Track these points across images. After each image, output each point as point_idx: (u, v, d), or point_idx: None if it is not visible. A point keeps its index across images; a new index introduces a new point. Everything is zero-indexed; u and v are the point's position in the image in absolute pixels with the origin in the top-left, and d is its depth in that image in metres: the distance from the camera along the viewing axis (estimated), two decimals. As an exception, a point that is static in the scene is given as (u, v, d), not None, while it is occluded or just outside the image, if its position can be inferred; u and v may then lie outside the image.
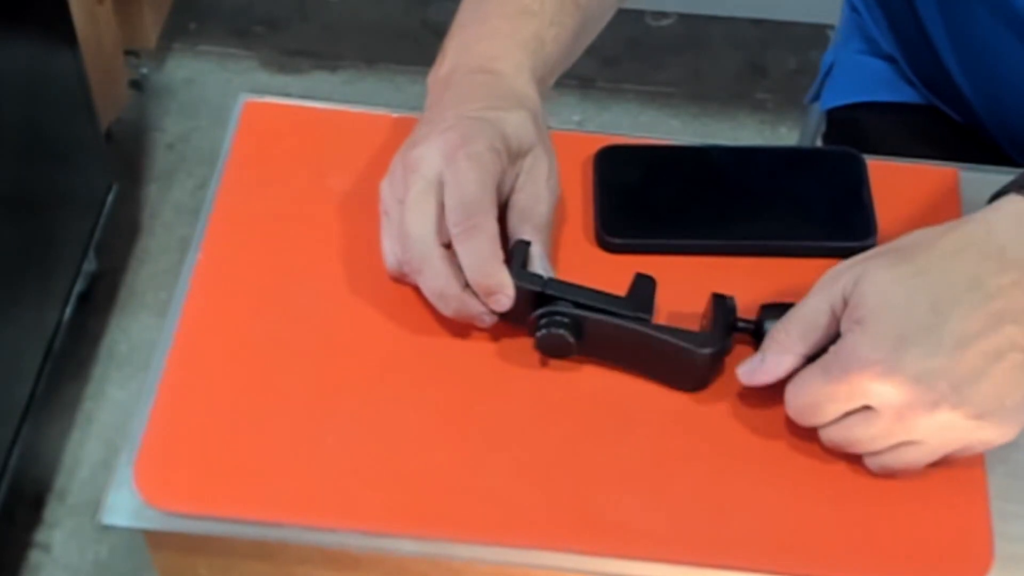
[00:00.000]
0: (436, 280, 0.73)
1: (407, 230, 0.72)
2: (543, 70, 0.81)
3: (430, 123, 0.76)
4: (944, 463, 0.71)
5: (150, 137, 1.96)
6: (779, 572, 0.68)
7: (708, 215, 0.81)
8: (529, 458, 0.71)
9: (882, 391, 0.66)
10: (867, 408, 0.68)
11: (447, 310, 0.74)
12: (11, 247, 1.46)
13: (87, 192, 1.67)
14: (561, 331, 0.72)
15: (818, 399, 0.69)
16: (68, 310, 1.62)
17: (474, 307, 0.73)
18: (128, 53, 1.92)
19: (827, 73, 1.14)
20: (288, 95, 0.88)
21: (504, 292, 0.72)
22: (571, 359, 0.75)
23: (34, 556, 1.58)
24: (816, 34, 2.06)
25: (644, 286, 0.74)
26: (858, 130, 1.08)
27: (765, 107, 2.02)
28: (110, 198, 1.71)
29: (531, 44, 0.80)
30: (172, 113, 1.99)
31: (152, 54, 2.02)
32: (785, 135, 1.98)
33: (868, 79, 1.09)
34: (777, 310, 0.73)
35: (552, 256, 0.77)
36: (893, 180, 0.83)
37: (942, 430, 0.67)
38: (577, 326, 0.73)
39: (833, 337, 0.69)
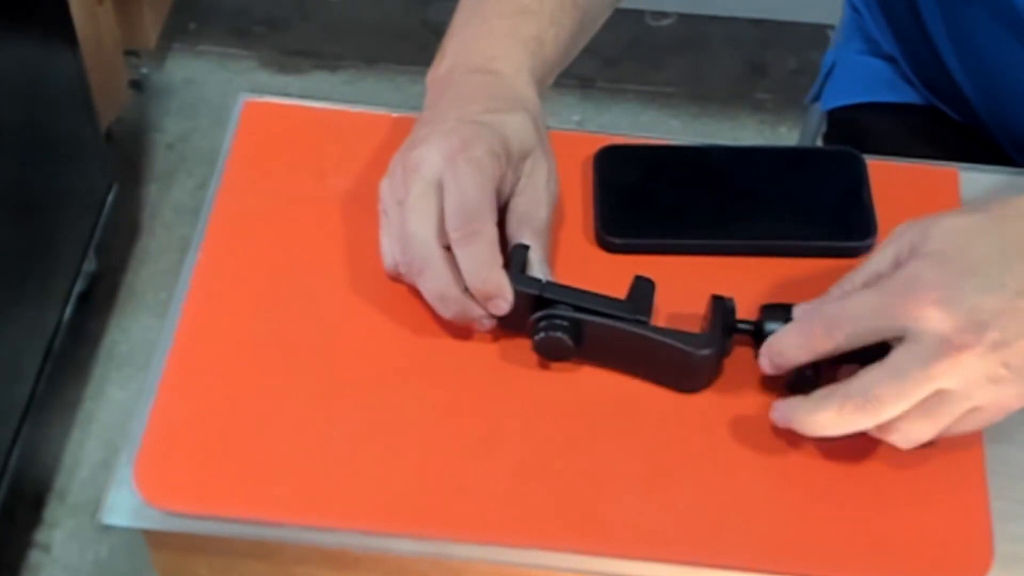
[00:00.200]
0: (437, 282, 0.73)
1: (409, 231, 0.72)
2: (542, 70, 0.81)
3: (430, 124, 0.76)
4: (944, 463, 0.71)
5: (150, 137, 1.96)
6: (779, 572, 0.68)
7: (708, 215, 0.81)
8: (529, 458, 0.71)
9: (932, 315, 0.65)
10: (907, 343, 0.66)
11: (447, 312, 0.74)
12: (11, 247, 1.46)
13: (87, 192, 1.67)
14: (559, 334, 0.72)
15: (864, 312, 0.67)
16: (68, 310, 1.62)
17: (473, 310, 0.73)
18: (128, 53, 1.92)
19: (828, 73, 1.14)
20: (288, 95, 0.88)
21: (503, 297, 0.73)
22: (572, 362, 0.75)
23: (34, 556, 1.58)
24: (816, 34, 2.07)
25: (643, 288, 0.74)
26: (859, 130, 1.08)
27: (765, 107, 2.02)
28: (110, 198, 1.71)
29: (531, 44, 0.80)
30: (172, 113, 1.99)
31: (152, 54, 2.02)
32: (785, 135, 1.98)
33: (869, 79, 1.09)
34: (777, 311, 0.73)
35: (552, 257, 0.77)
36: (893, 180, 0.83)
37: (986, 382, 0.66)
38: (576, 329, 0.73)
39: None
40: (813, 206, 0.81)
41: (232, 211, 0.82)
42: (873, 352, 0.68)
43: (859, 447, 0.72)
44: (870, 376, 0.67)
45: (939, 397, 0.66)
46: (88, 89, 1.60)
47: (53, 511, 1.61)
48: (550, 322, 0.72)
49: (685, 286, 0.77)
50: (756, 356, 0.74)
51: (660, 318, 0.76)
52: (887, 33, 1.05)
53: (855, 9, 1.10)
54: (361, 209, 0.81)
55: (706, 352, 0.72)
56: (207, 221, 0.81)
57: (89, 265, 1.70)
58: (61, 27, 1.53)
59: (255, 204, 0.82)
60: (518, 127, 0.75)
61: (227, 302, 0.77)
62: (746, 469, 0.71)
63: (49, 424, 1.64)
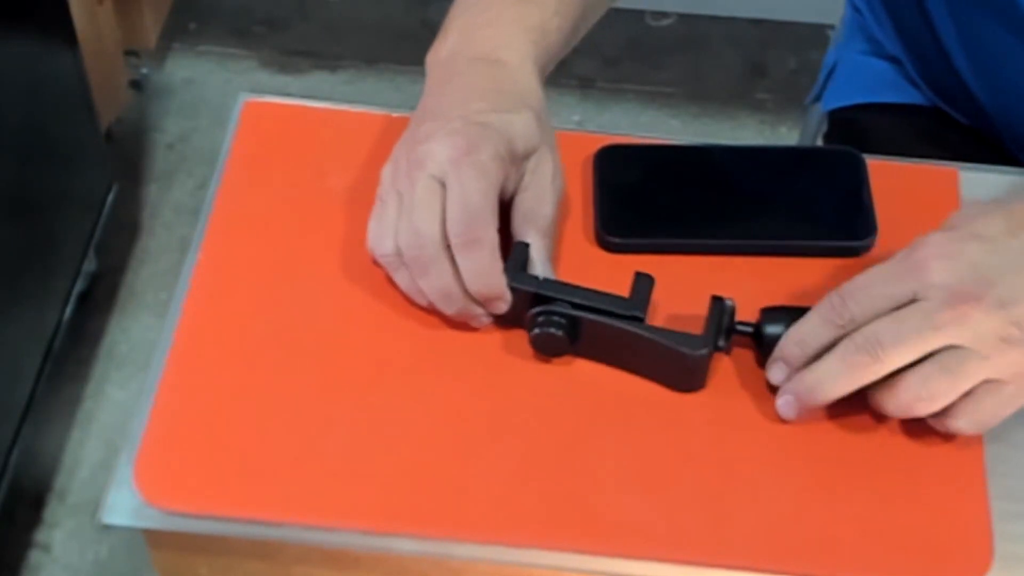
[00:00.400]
0: (441, 281, 0.73)
1: (417, 229, 0.73)
2: (544, 59, 0.81)
3: (435, 118, 0.76)
4: (944, 463, 0.71)
5: (150, 137, 1.96)
6: (779, 572, 0.68)
7: (708, 215, 0.81)
8: (529, 458, 0.71)
9: (936, 268, 0.67)
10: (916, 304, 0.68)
11: (449, 309, 0.74)
12: (11, 247, 1.46)
13: (87, 192, 1.67)
14: (555, 330, 0.73)
15: (875, 279, 0.69)
16: (68, 310, 1.62)
17: (474, 309, 0.74)
18: (128, 53, 1.92)
19: (829, 74, 1.14)
20: (288, 95, 0.88)
21: (502, 299, 0.74)
22: (571, 361, 0.75)
23: (34, 556, 1.58)
24: (816, 34, 2.07)
25: (642, 285, 0.74)
26: (860, 131, 1.08)
27: (765, 107, 2.02)
28: (110, 198, 1.71)
29: (534, 33, 0.80)
30: (172, 113, 1.99)
31: (152, 54, 2.02)
32: (785, 135, 1.98)
33: (871, 80, 1.09)
34: (778, 313, 0.73)
35: (554, 255, 0.78)
36: (893, 180, 0.83)
37: (998, 341, 0.67)
38: (572, 325, 0.73)
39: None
40: (813, 206, 0.81)
41: (232, 211, 0.82)
42: None
43: (860, 446, 0.72)
44: (875, 323, 0.68)
45: (952, 353, 0.67)
46: (88, 89, 1.60)
47: (53, 511, 1.61)
48: (547, 318, 0.73)
49: (685, 286, 0.77)
50: (756, 357, 0.74)
51: (660, 318, 0.76)
52: (891, 34, 1.05)
53: (856, 9, 1.10)
54: (361, 209, 0.81)
55: (700, 353, 0.72)
56: (207, 221, 0.81)
57: (89, 265, 1.70)
58: (61, 27, 1.53)
59: (255, 204, 0.82)
60: (523, 127, 0.76)
61: (227, 302, 0.77)
62: (746, 469, 0.71)
63: (49, 424, 1.64)
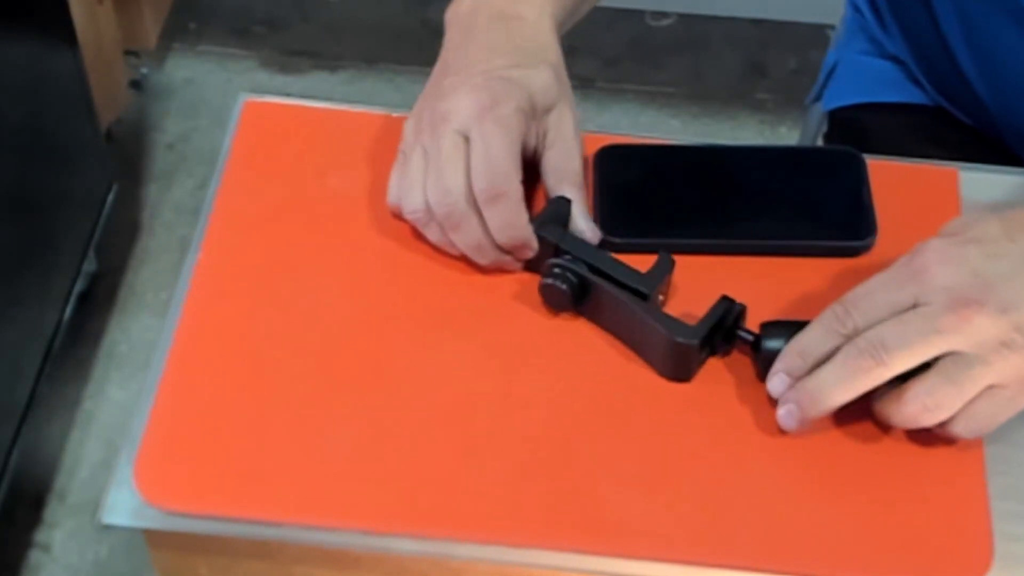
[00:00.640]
0: (474, 235, 0.76)
1: (447, 186, 0.75)
2: (562, 15, 0.83)
3: (457, 73, 0.78)
4: (944, 463, 0.71)
5: (150, 137, 1.96)
6: (779, 572, 0.68)
7: (708, 215, 0.81)
8: (529, 458, 0.71)
9: (938, 273, 0.68)
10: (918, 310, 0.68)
11: (483, 260, 0.77)
12: (11, 247, 1.46)
13: (87, 192, 1.67)
14: (562, 284, 0.75)
15: (876, 286, 0.69)
16: (68, 310, 1.62)
17: (503, 258, 0.77)
18: (128, 53, 1.92)
19: (829, 73, 1.14)
20: (288, 95, 0.88)
21: (529, 247, 0.76)
22: (571, 361, 0.75)
23: (34, 556, 1.58)
24: (816, 34, 2.07)
25: (661, 266, 0.75)
26: (861, 130, 1.08)
27: (765, 107, 2.02)
28: (110, 198, 1.71)
29: None
30: (172, 113, 1.99)
31: (152, 54, 2.02)
32: (785, 135, 1.98)
33: (872, 80, 1.09)
34: (778, 328, 0.73)
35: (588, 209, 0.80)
36: (893, 179, 0.83)
37: (1000, 346, 0.67)
38: (582, 285, 0.75)
39: None
40: (813, 206, 0.81)
41: (232, 211, 0.82)
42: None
43: (860, 447, 0.72)
44: (877, 327, 0.68)
45: (955, 360, 0.67)
46: (88, 89, 1.60)
47: (53, 511, 1.61)
48: (561, 271, 0.75)
49: (685, 286, 0.77)
50: (755, 370, 0.74)
51: (660, 317, 0.76)
52: (895, 32, 1.05)
53: (857, 9, 1.10)
54: (361, 209, 0.81)
55: (688, 343, 0.72)
56: (207, 221, 0.81)
57: (89, 265, 1.70)
58: (61, 27, 1.53)
59: (255, 204, 0.82)
60: (543, 82, 0.78)
61: (227, 302, 0.77)
62: (747, 470, 0.71)
63: (49, 424, 1.64)
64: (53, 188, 1.58)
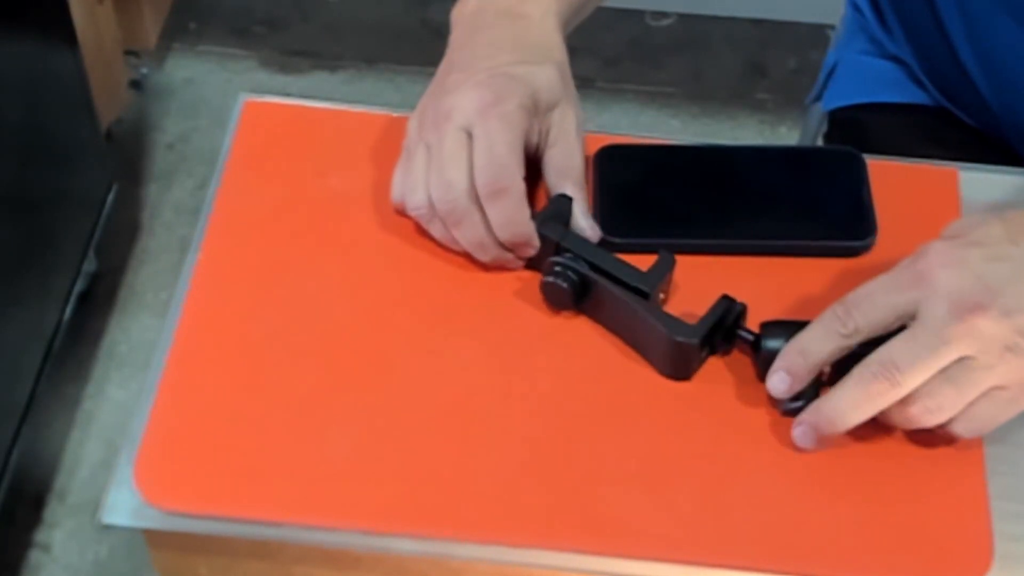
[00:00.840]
0: (476, 233, 0.76)
1: (449, 182, 0.75)
2: (568, 13, 0.83)
3: (461, 70, 0.78)
4: (944, 463, 0.71)
5: (150, 137, 1.96)
6: (779, 572, 0.68)
7: (708, 215, 0.81)
8: (529, 458, 0.71)
9: (942, 278, 0.67)
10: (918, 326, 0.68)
11: (484, 257, 0.77)
12: (11, 247, 1.46)
13: (87, 192, 1.67)
14: (563, 283, 0.75)
15: (877, 288, 0.69)
16: (68, 310, 1.62)
17: (505, 255, 0.77)
18: (128, 53, 1.92)
19: (829, 73, 1.14)
20: (288, 95, 0.88)
21: (530, 244, 0.76)
22: (571, 360, 0.75)
23: (34, 556, 1.58)
24: (816, 34, 2.07)
25: (662, 264, 0.75)
26: (861, 130, 1.08)
27: (765, 107, 2.02)
28: (110, 198, 1.71)
29: None
30: (172, 113, 1.99)
31: (152, 54, 2.01)
32: (785, 135, 1.98)
33: (873, 79, 1.09)
34: (778, 328, 0.73)
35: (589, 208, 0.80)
36: (893, 180, 0.83)
37: (1004, 350, 0.67)
38: (583, 283, 0.75)
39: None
40: (813, 206, 0.81)
41: (232, 211, 0.82)
42: None
43: (860, 447, 0.72)
44: (886, 346, 0.68)
45: (960, 365, 0.67)
46: (88, 89, 1.60)
47: (53, 511, 1.61)
48: (562, 269, 0.75)
49: (685, 285, 0.77)
50: (755, 371, 0.74)
51: (660, 317, 0.76)
52: (897, 31, 1.05)
53: (857, 9, 1.10)
54: (361, 209, 0.81)
55: (688, 341, 0.72)
56: (207, 221, 0.81)
57: (89, 265, 1.70)
58: (61, 27, 1.53)
59: (255, 204, 0.82)
60: (547, 79, 0.78)
61: (227, 302, 0.77)
62: (747, 470, 0.71)
63: (49, 424, 1.64)
64: (53, 188, 1.58)
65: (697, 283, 0.77)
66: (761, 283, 0.78)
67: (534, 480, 0.71)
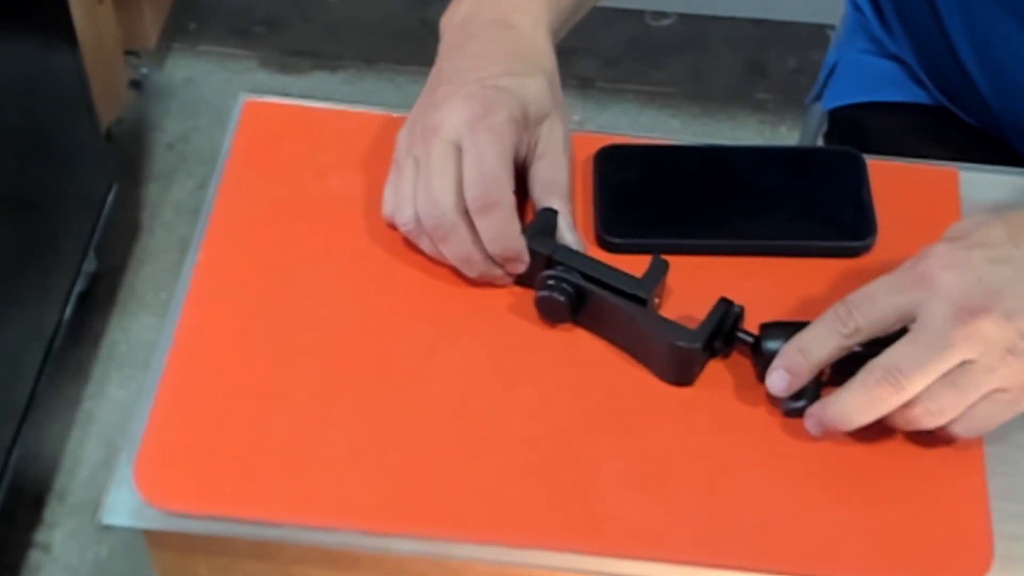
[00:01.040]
0: (463, 248, 0.75)
1: (435, 197, 0.74)
2: (557, 23, 0.82)
3: (450, 82, 0.77)
4: (944, 463, 0.71)
5: (150, 137, 1.96)
6: (779, 572, 0.68)
7: (708, 215, 0.81)
8: (529, 458, 0.71)
9: (944, 280, 0.67)
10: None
11: (471, 273, 0.76)
12: (11, 247, 1.46)
13: (87, 192, 1.67)
14: (559, 296, 0.74)
15: (879, 289, 0.69)
16: (68, 310, 1.62)
17: (494, 270, 0.76)
18: (128, 53, 1.92)
19: (829, 73, 1.14)
20: (288, 95, 0.88)
21: (520, 259, 0.75)
22: (572, 360, 0.75)
23: (34, 556, 1.58)
24: (816, 34, 2.07)
25: (655, 269, 0.75)
26: (861, 130, 1.08)
27: (765, 107, 2.02)
28: (110, 198, 1.71)
29: None
30: (172, 113, 1.99)
31: (152, 54, 2.01)
32: (785, 135, 1.98)
33: (873, 79, 1.08)
34: (777, 329, 0.73)
35: (574, 222, 0.79)
36: (893, 180, 0.83)
37: (1006, 353, 0.67)
38: (578, 295, 0.74)
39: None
40: (813, 206, 0.81)
41: (232, 211, 0.82)
42: None
43: (860, 447, 0.72)
44: (890, 350, 0.68)
45: (962, 368, 0.67)
46: (88, 89, 1.60)
47: (53, 511, 1.61)
48: (556, 282, 0.74)
49: (684, 286, 0.77)
50: (755, 371, 0.74)
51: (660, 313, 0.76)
52: (897, 30, 1.05)
53: (857, 8, 1.10)
54: (361, 209, 0.81)
55: (691, 346, 0.72)
56: (207, 221, 0.81)
57: (89, 265, 1.70)
58: (61, 27, 1.53)
59: (255, 204, 0.82)
60: (537, 91, 0.77)
61: (227, 302, 0.77)
62: (747, 470, 0.71)
63: (49, 424, 1.64)
64: (53, 188, 1.58)
65: (697, 284, 0.77)
66: (761, 283, 0.78)
67: (534, 480, 0.71)
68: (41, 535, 1.59)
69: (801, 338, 0.71)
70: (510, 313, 0.77)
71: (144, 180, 1.91)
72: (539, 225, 0.76)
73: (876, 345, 0.69)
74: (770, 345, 0.72)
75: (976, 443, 0.72)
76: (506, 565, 0.70)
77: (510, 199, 0.74)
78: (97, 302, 1.77)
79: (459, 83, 0.76)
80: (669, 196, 0.82)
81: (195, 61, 2.06)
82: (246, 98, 0.87)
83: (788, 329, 0.72)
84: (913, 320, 0.68)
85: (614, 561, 0.69)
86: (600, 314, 0.75)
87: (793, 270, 0.79)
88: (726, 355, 0.75)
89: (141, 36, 1.92)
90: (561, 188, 0.78)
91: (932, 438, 0.71)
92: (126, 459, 0.71)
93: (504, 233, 0.74)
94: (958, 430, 0.69)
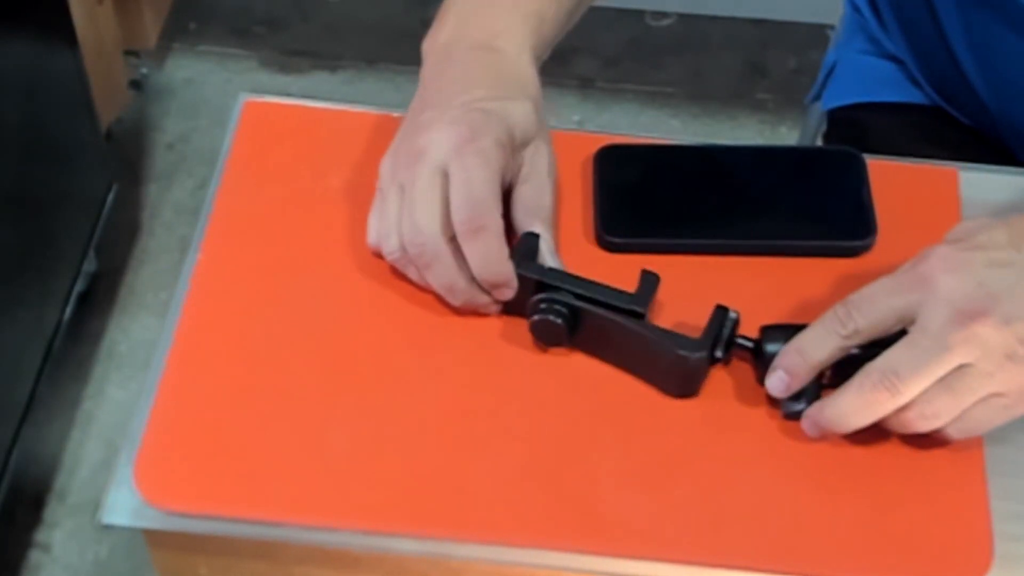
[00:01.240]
0: (447, 275, 0.74)
1: (418, 224, 0.73)
2: (540, 48, 0.81)
3: (435, 107, 0.76)
4: (945, 464, 0.71)
5: (150, 137, 1.96)
6: (779, 572, 0.68)
7: (708, 215, 0.81)
8: (529, 458, 0.71)
9: (943, 283, 0.67)
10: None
11: (455, 301, 0.75)
12: (11, 247, 1.46)
13: (87, 192, 1.67)
14: (555, 319, 0.73)
15: (879, 290, 0.69)
16: (68, 310, 1.62)
17: (480, 298, 0.75)
18: (128, 53, 1.92)
19: (829, 73, 1.14)
20: (288, 95, 0.88)
21: (509, 285, 0.74)
22: (572, 360, 0.75)
23: (34, 556, 1.58)
24: (816, 34, 2.07)
25: (647, 283, 0.74)
26: (860, 130, 1.08)
27: (765, 107, 2.02)
28: (110, 198, 1.71)
29: (532, 20, 0.80)
30: (172, 113, 1.99)
31: (152, 54, 2.02)
32: (785, 135, 1.98)
33: (872, 79, 1.09)
34: (778, 332, 0.73)
35: (556, 247, 0.78)
36: (893, 180, 0.83)
37: (1004, 358, 0.67)
38: (573, 316, 0.73)
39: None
40: (813, 206, 0.81)
41: (232, 211, 0.82)
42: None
43: (860, 447, 0.72)
44: (887, 353, 0.68)
45: (959, 372, 0.67)
46: (88, 89, 1.60)
47: (53, 511, 1.61)
48: (549, 305, 0.73)
49: (684, 286, 0.77)
50: (755, 374, 0.74)
51: (658, 317, 0.76)
52: (895, 31, 1.05)
53: (856, 9, 1.10)
54: (361, 209, 0.81)
55: (696, 356, 0.72)
56: (207, 221, 0.81)
57: (89, 265, 1.70)
58: (61, 27, 1.53)
59: (255, 204, 0.82)
60: (522, 115, 0.76)
61: (227, 302, 0.77)
62: (747, 469, 0.71)
63: (49, 424, 1.64)
64: (53, 188, 1.58)
65: (697, 284, 0.77)
66: (761, 283, 0.78)
67: (534, 480, 0.71)
68: (41, 535, 1.59)
69: (800, 339, 0.71)
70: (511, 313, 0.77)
71: (144, 180, 1.91)
72: (523, 250, 0.75)
73: (875, 347, 0.69)
74: (770, 347, 0.72)
75: (976, 443, 0.72)
76: (506, 565, 0.70)
77: (498, 223, 0.73)
78: (97, 302, 1.77)
79: (444, 107, 0.75)
80: (669, 196, 0.82)
81: (195, 61, 2.06)
82: (246, 98, 0.87)
83: (788, 331, 0.72)
84: (912, 322, 0.68)
85: (614, 561, 0.69)
86: (598, 333, 0.74)
87: (793, 270, 0.79)
88: (726, 363, 0.75)
89: (141, 36, 1.92)
90: (544, 212, 0.77)
91: (931, 439, 0.71)
92: (126, 459, 0.71)
93: (493, 257, 0.73)
94: (951, 431, 0.69)
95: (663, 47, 2.09)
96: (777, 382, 0.71)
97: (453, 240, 0.73)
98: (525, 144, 0.77)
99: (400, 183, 0.75)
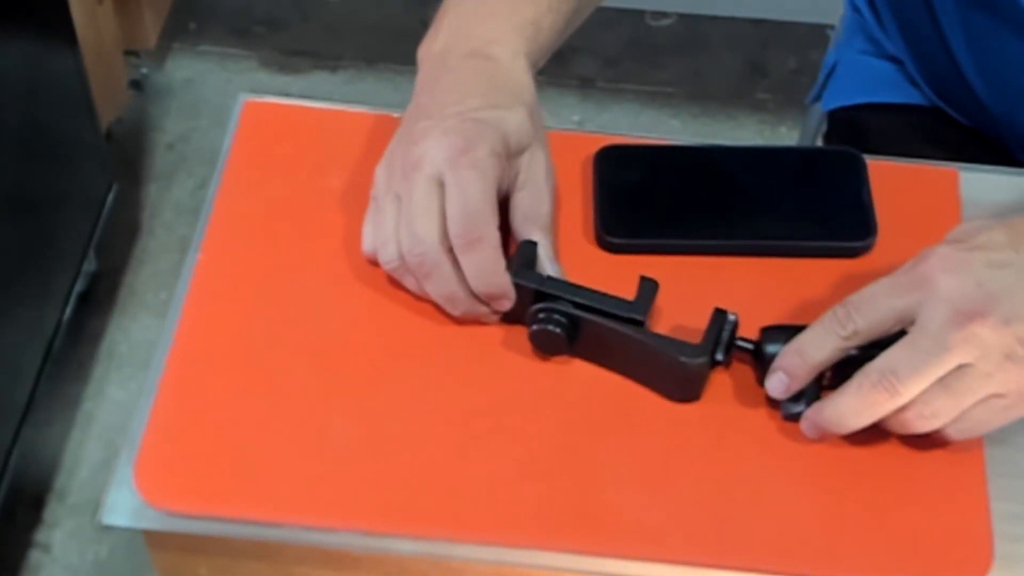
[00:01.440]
0: (446, 286, 0.74)
1: (417, 235, 0.73)
2: (536, 55, 0.81)
3: (429, 116, 0.76)
4: (945, 464, 0.71)
5: (150, 137, 1.96)
6: (779, 572, 0.68)
7: (708, 215, 0.81)
8: (529, 458, 0.71)
9: (942, 283, 0.67)
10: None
11: (455, 311, 0.75)
12: (11, 247, 1.46)
13: (87, 192, 1.67)
14: (555, 328, 0.73)
15: (878, 291, 0.69)
16: (68, 310, 1.62)
17: (479, 308, 0.75)
18: (128, 53, 1.92)
19: (829, 73, 1.14)
20: (288, 95, 0.88)
21: (506, 296, 0.74)
22: (572, 362, 0.75)
23: (34, 556, 1.58)
24: (816, 34, 2.07)
25: (646, 290, 0.74)
26: (860, 130, 1.08)
27: (765, 107, 2.02)
28: (110, 198, 1.71)
29: (528, 29, 0.80)
30: (172, 113, 1.99)
31: (152, 54, 2.02)
32: (785, 135, 1.98)
33: (872, 80, 1.09)
34: (779, 332, 0.73)
35: (555, 254, 0.78)
36: (893, 180, 0.83)
37: (1003, 359, 0.66)
38: (573, 325, 0.73)
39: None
40: (813, 206, 0.81)
41: (232, 211, 0.82)
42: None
43: (860, 447, 0.72)
44: (886, 354, 0.68)
45: (958, 372, 0.67)
46: (88, 89, 1.60)
47: (53, 511, 1.61)
48: (548, 315, 0.73)
49: (684, 286, 0.77)
50: (756, 375, 0.74)
51: (658, 318, 0.76)
52: (894, 32, 1.05)
53: (856, 9, 1.10)
54: (361, 209, 0.81)
55: (697, 362, 0.72)
56: (207, 221, 0.81)
57: (89, 265, 1.70)
58: (61, 27, 1.53)
59: (255, 204, 0.82)
60: (517, 123, 0.76)
61: (227, 302, 0.77)
62: (747, 470, 0.71)
63: (49, 424, 1.64)
64: (53, 188, 1.58)
65: (696, 284, 0.77)
66: (761, 284, 0.78)
67: (533, 481, 0.71)
68: (41, 535, 1.59)
69: (800, 340, 0.71)
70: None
71: (144, 180, 1.91)
72: (522, 259, 0.75)
73: (875, 348, 0.69)
74: (770, 348, 0.72)
75: (977, 444, 0.72)
76: (506, 565, 0.70)
77: (494, 235, 0.73)
78: (97, 302, 1.77)
79: (439, 117, 0.75)
80: (669, 196, 0.82)
81: (195, 61, 2.06)
82: (246, 98, 0.87)
83: (788, 332, 0.72)
84: (912, 323, 0.68)
85: (614, 561, 0.69)
86: (598, 341, 0.74)
87: (793, 270, 0.79)
88: (726, 366, 0.74)
89: (141, 36, 1.92)
90: (542, 219, 0.77)
91: (931, 440, 0.71)
92: (126, 459, 0.71)
93: (488, 269, 0.73)
94: (950, 432, 0.69)
95: (663, 47, 2.09)
96: (777, 383, 0.71)
97: (452, 251, 0.73)
98: (521, 152, 0.76)
99: (396, 193, 0.74)
